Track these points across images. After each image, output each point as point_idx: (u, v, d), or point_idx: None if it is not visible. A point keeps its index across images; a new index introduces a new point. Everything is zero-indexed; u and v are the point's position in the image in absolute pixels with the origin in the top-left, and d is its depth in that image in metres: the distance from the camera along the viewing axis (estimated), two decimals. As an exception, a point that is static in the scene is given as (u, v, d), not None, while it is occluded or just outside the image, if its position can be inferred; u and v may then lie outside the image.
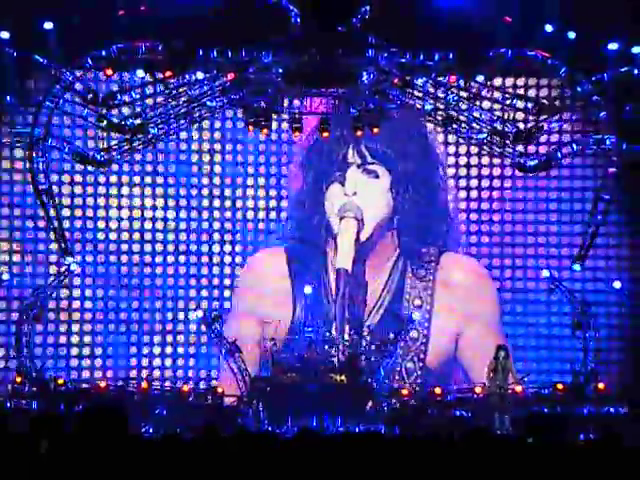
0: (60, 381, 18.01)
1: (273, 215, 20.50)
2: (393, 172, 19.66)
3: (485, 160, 20.33)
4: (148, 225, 20.31)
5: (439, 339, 19.41)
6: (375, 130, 18.32)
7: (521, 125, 18.57)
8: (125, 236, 20.24)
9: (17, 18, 17.44)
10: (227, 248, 20.41)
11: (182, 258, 20.33)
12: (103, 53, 17.86)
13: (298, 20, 17.51)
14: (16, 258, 19.81)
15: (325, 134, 18.63)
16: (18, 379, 17.94)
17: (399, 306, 19.63)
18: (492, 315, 19.74)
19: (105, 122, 18.16)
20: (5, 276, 19.24)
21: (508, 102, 18.38)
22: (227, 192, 20.45)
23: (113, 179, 20.13)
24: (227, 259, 20.40)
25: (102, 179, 20.05)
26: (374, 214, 19.56)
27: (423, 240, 19.91)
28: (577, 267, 18.95)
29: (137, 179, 20.26)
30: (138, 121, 18.24)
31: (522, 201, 20.50)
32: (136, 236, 20.29)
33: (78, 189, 20.13)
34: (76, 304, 19.94)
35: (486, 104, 18.61)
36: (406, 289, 19.80)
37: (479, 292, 19.82)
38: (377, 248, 19.77)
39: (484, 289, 19.95)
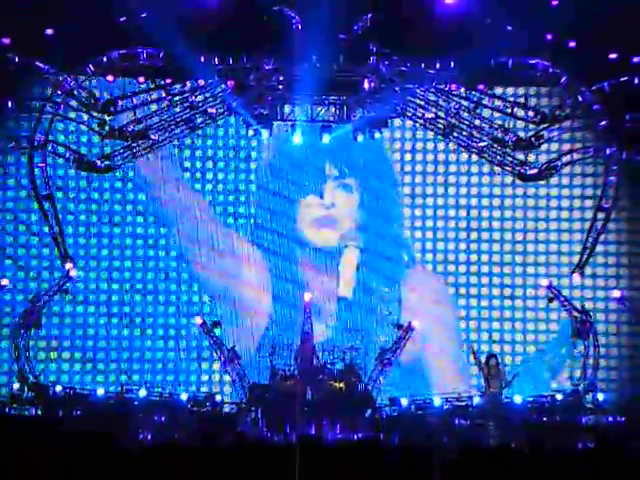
0: (58, 387, 17.98)
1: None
2: (362, 188, 20.31)
3: (485, 168, 20.36)
4: (149, 232, 20.36)
5: None
6: (377, 135, 18.62)
7: (522, 134, 18.59)
8: (127, 241, 20.28)
9: (18, 24, 17.43)
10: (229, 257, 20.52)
11: (184, 264, 20.37)
12: (104, 59, 17.89)
13: (299, 27, 17.53)
14: (16, 263, 19.89)
15: (326, 140, 18.75)
16: (17, 385, 17.92)
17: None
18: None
19: (106, 128, 18.17)
20: (4, 282, 19.21)
21: (509, 111, 18.38)
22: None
23: (116, 184, 20.18)
24: (228, 265, 20.46)
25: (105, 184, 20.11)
26: (348, 227, 20.25)
27: (383, 256, 20.35)
28: (576, 276, 18.94)
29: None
30: (139, 127, 18.26)
31: (521, 209, 20.54)
32: (138, 242, 20.33)
33: (79, 195, 20.15)
34: (76, 309, 20.00)
35: (487, 112, 18.61)
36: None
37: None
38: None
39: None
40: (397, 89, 18.22)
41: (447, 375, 19.70)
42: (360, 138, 18.72)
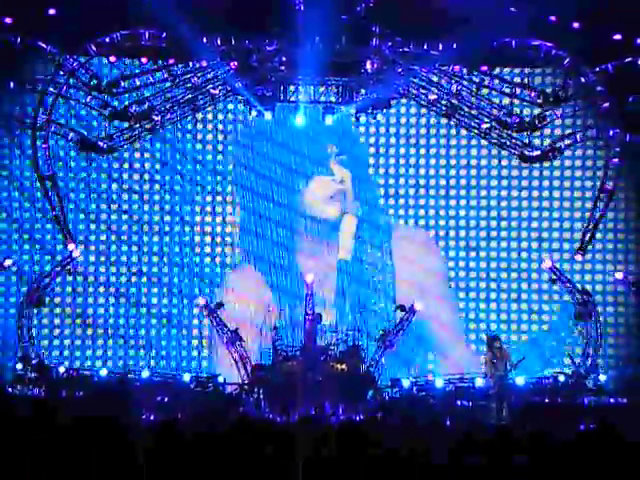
0: (61, 368, 18.03)
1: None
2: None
3: (485, 151, 20.34)
4: (151, 211, 20.38)
5: None
6: (379, 116, 18.79)
7: (524, 115, 18.56)
8: (128, 223, 20.29)
9: (20, 4, 17.38)
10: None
11: (187, 248, 20.41)
12: (107, 40, 17.85)
13: (302, 8, 17.48)
14: (19, 244, 19.91)
15: (328, 122, 18.75)
16: (19, 365, 17.96)
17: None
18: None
19: (108, 109, 18.14)
20: (8, 262, 19.21)
21: (512, 92, 18.34)
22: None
23: (116, 166, 20.18)
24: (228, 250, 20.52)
25: (105, 166, 20.11)
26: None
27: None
28: (579, 257, 18.94)
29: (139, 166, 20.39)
30: (141, 108, 18.23)
31: (524, 190, 20.53)
32: (139, 222, 20.35)
33: (81, 176, 20.16)
34: (78, 291, 20.05)
35: (490, 94, 18.57)
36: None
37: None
38: None
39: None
40: (400, 70, 18.20)
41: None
42: (363, 119, 18.80)
